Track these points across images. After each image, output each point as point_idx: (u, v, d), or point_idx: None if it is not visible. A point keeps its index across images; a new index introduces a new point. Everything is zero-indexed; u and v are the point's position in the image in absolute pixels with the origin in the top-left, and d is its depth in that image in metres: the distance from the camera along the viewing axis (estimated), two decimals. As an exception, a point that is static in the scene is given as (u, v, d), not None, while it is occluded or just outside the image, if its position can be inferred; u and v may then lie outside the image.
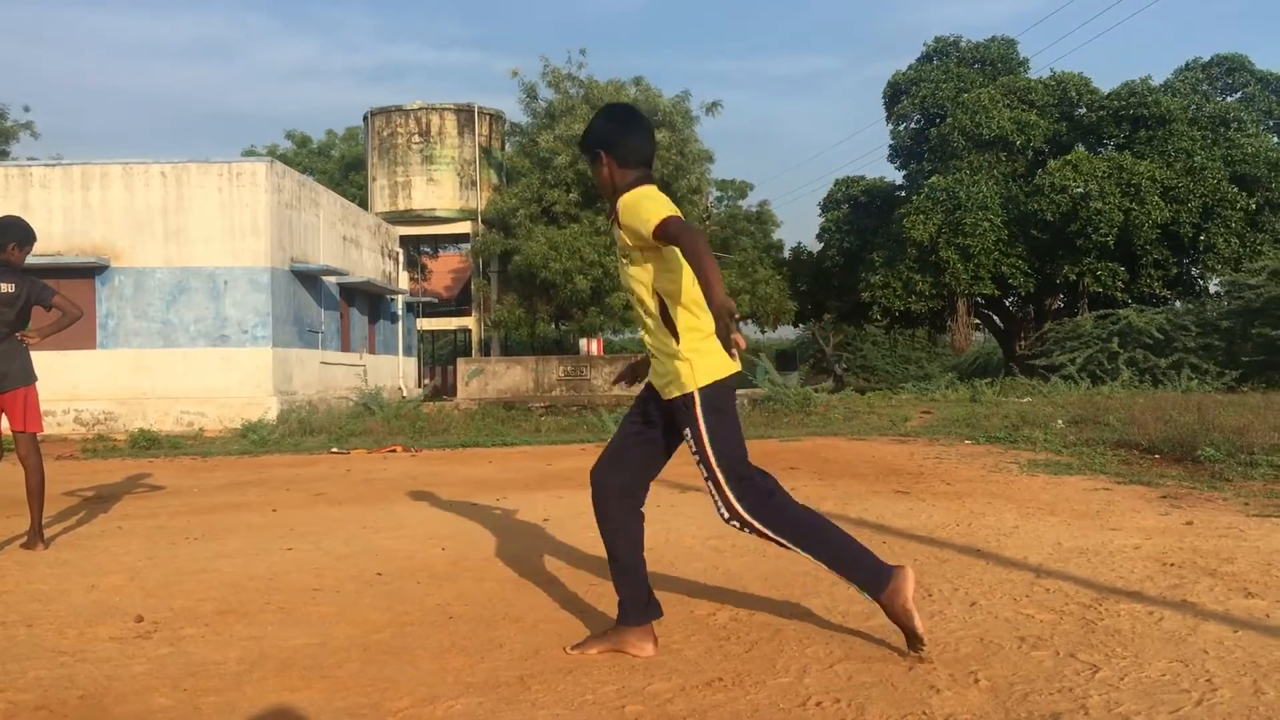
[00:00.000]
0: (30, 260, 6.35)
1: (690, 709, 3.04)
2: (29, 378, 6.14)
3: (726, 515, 3.58)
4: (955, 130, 31.38)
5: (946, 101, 32.80)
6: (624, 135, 3.64)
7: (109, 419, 18.69)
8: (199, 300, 19.22)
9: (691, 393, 3.51)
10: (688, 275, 3.50)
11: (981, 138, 31.09)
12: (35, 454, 6.20)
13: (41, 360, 6.39)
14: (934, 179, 31.08)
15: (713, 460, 3.55)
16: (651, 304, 3.57)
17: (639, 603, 3.67)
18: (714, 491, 3.58)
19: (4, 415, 6.10)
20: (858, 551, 3.58)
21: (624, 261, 3.64)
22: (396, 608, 4.43)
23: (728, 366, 3.54)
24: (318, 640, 3.93)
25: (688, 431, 3.57)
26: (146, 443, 15.14)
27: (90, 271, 18.92)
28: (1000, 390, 21.93)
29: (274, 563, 5.55)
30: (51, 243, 18.60)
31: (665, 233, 3.32)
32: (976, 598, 4.30)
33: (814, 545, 3.59)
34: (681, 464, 10.43)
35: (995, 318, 36.26)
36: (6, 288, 6.01)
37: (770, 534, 3.60)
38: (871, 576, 3.50)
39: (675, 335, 3.53)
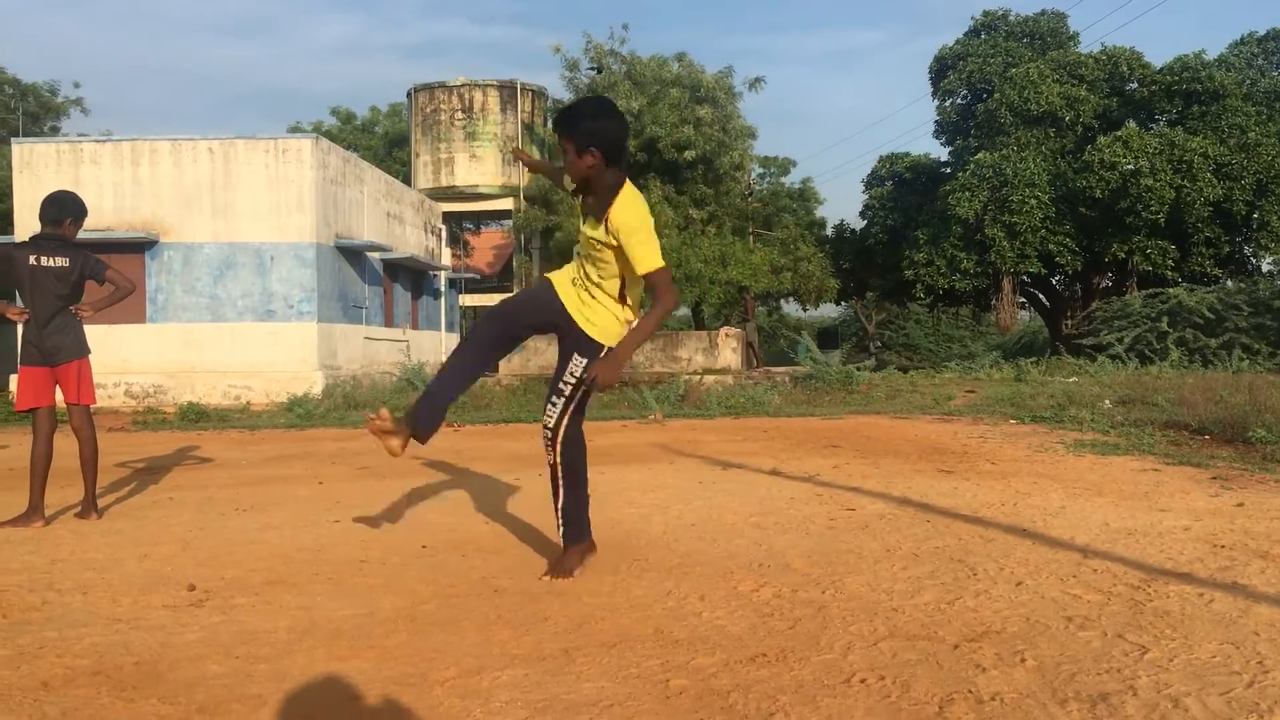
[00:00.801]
0: (81, 235, 6.44)
1: (734, 684, 3.05)
2: (83, 351, 6.25)
3: (551, 426, 4.42)
4: (1003, 106, 30.91)
5: (994, 76, 32.31)
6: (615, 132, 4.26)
7: (158, 392, 18.98)
8: (246, 275, 19.42)
9: (606, 346, 4.36)
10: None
11: (1030, 113, 30.61)
12: (88, 425, 6.32)
13: (92, 334, 6.49)
14: (980, 155, 30.65)
15: (575, 387, 4.37)
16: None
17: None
18: (556, 407, 4.41)
19: (58, 387, 6.22)
20: (586, 509, 4.52)
21: (594, 247, 4.33)
22: (442, 580, 4.47)
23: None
24: (365, 611, 3.98)
25: (581, 359, 4.36)
26: (195, 416, 15.38)
27: (140, 246, 19.17)
28: (1046, 370, 21.69)
29: (321, 534, 5.62)
30: (102, 218, 18.84)
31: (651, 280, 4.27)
32: (1023, 577, 4.27)
33: (572, 492, 4.45)
34: (724, 442, 10.40)
35: (1041, 296, 35.79)
36: (61, 262, 6.11)
37: (560, 461, 4.42)
38: (580, 531, 4.49)
39: (624, 303, 4.44)
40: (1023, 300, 36.21)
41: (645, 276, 4.24)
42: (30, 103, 37.58)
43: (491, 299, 39.06)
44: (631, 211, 4.20)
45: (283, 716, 2.89)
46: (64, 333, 6.13)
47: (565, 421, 4.41)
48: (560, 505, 4.47)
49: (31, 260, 6.05)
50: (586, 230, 4.37)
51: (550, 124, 33.92)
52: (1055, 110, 30.45)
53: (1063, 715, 2.76)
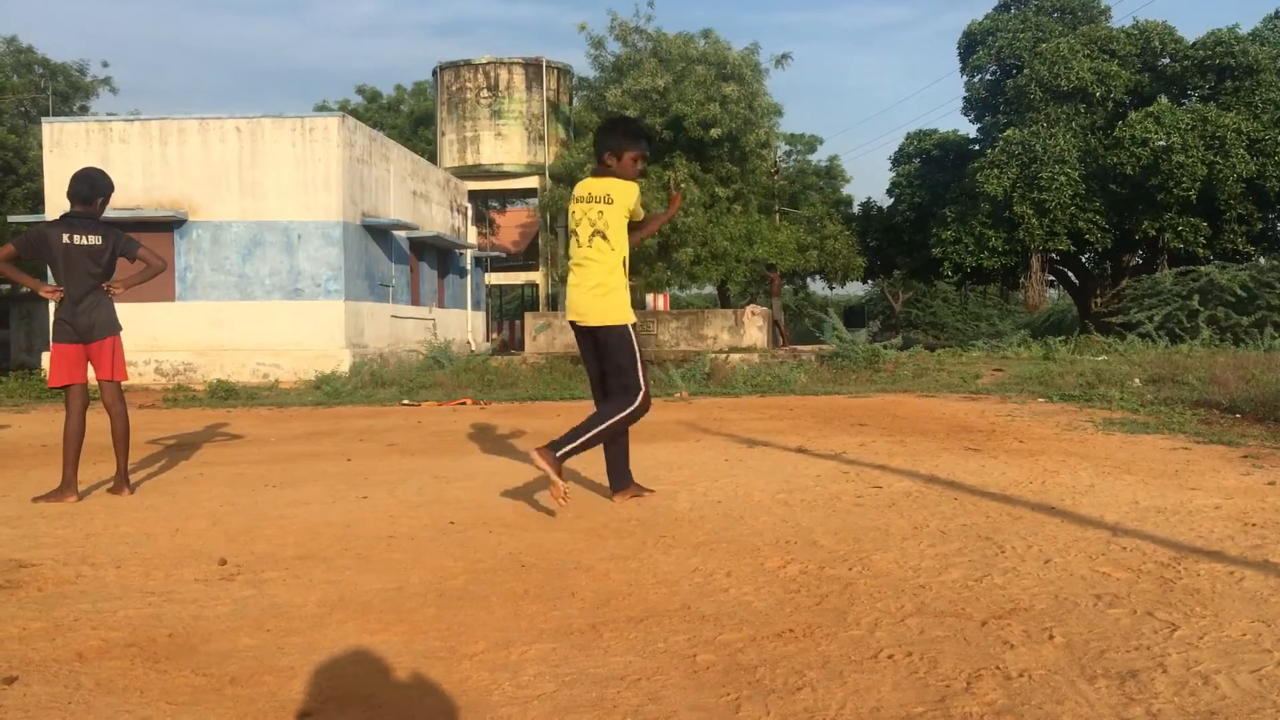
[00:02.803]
0: (111, 213, 6.49)
1: (761, 659, 3.06)
2: (115, 328, 6.31)
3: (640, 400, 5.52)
4: (1032, 81, 30.60)
5: (1024, 52, 31.98)
6: None
7: (188, 370, 19.14)
8: (273, 254, 19.52)
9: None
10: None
11: (1060, 89, 30.29)
12: (120, 402, 6.38)
13: (123, 312, 6.54)
14: (1009, 132, 30.38)
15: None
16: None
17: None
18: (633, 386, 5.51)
19: (91, 364, 6.29)
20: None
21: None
22: (470, 555, 4.50)
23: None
24: (394, 585, 4.01)
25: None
26: (224, 393, 15.51)
27: (169, 225, 19.30)
28: (1075, 348, 21.49)
29: (350, 510, 5.67)
30: (131, 196, 18.98)
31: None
32: (1051, 555, 4.25)
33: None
34: (750, 420, 10.38)
35: (1070, 274, 35.51)
36: (94, 240, 6.16)
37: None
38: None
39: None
40: (1051, 278, 35.94)
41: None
42: (60, 82, 37.82)
43: (517, 277, 39.19)
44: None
45: (314, 688, 2.92)
46: (97, 310, 6.19)
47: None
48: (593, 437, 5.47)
49: (65, 239, 6.11)
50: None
51: (586, 104, 33.66)
52: (1086, 86, 30.11)
53: (1091, 692, 2.76)
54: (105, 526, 5.32)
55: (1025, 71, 31.24)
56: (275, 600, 3.83)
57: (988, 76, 34.43)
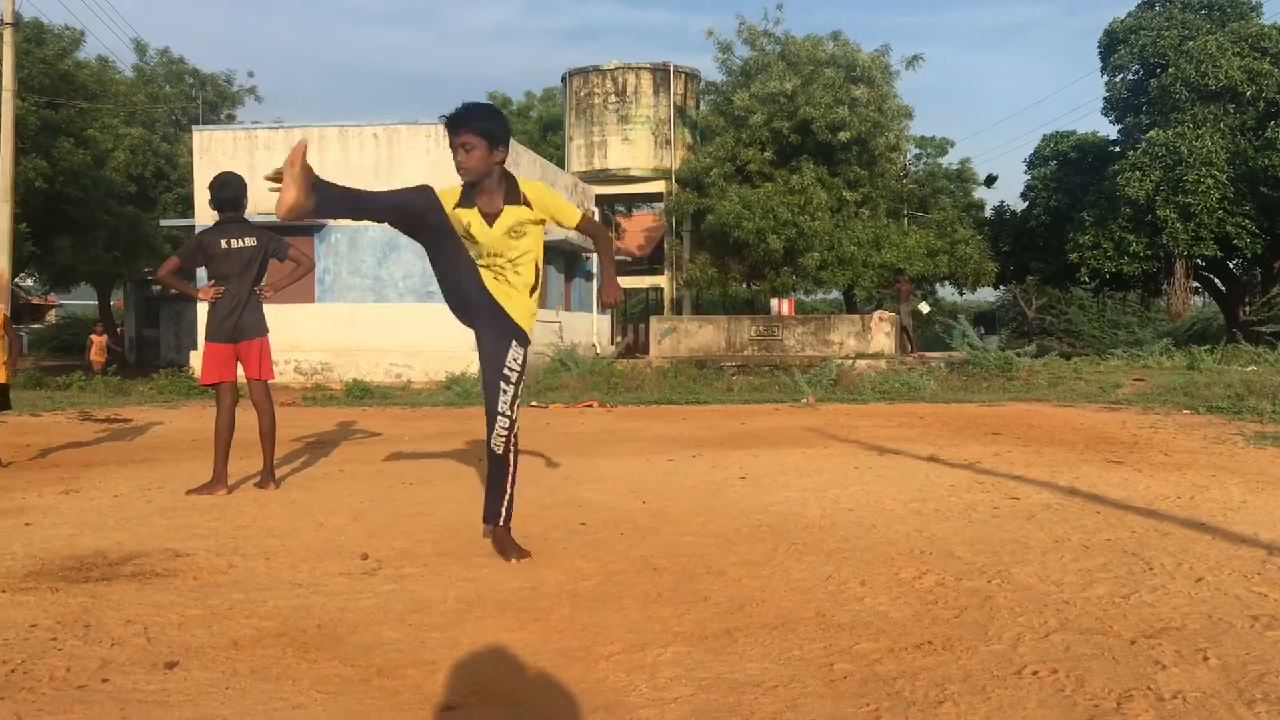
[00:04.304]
0: (257, 218, 6.77)
1: (900, 670, 3.01)
2: (263, 330, 6.58)
3: (511, 415, 4.57)
4: (1178, 81, 29.42)
5: (1169, 50, 30.77)
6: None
7: (325, 369, 19.78)
8: (407, 258, 20.04)
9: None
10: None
11: (1207, 89, 29.05)
12: (267, 400, 6.65)
13: (266, 312, 6.79)
14: (1153, 133, 29.27)
15: (521, 374, 4.66)
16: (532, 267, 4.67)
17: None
18: (507, 395, 4.57)
19: (240, 363, 6.56)
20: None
21: (515, 233, 4.56)
22: (602, 557, 4.54)
23: None
24: (529, 585, 4.07)
25: (520, 349, 4.64)
26: (360, 393, 15.98)
27: (309, 229, 19.97)
28: (1222, 358, 20.62)
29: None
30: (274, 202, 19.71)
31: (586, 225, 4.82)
32: (1203, 573, 4.08)
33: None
34: (878, 427, 10.21)
35: (1217, 281, 34.03)
36: (250, 242, 6.45)
37: (517, 446, 4.69)
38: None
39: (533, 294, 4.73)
40: (1196, 285, 34.52)
41: (579, 225, 4.74)
42: (209, 91, 39.57)
43: (642, 281, 39.42)
44: (537, 183, 4.71)
45: (456, 683, 2.99)
46: (249, 312, 6.47)
47: (518, 407, 4.64)
48: (512, 488, 4.63)
49: (224, 244, 6.40)
50: (498, 226, 4.55)
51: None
52: (1235, 85, 28.81)
53: (1250, 717, 2.64)
54: (254, 519, 5.54)
55: (1170, 70, 30.05)
56: (416, 595, 3.93)
57: (1130, 76, 33.23)
